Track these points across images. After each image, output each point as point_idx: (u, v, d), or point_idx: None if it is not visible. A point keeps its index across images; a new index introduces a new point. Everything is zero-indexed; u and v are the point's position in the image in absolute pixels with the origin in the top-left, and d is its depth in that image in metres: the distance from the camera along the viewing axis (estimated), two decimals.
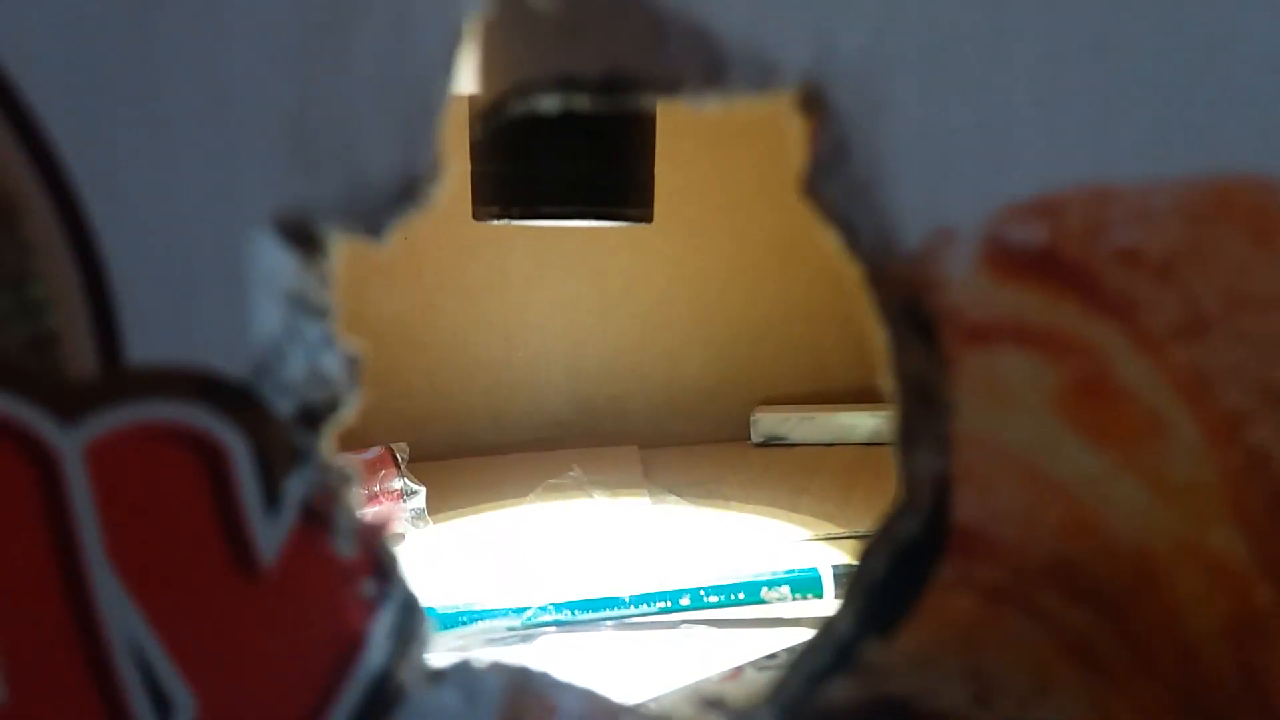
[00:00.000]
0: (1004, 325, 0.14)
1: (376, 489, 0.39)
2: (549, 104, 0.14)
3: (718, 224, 0.52)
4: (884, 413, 0.50)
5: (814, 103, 0.14)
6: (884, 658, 0.15)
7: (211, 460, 0.14)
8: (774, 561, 0.36)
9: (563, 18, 0.13)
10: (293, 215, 0.13)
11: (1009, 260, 0.14)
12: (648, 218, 0.40)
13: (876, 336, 0.15)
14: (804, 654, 0.15)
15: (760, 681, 0.16)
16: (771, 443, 0.52)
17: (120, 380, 0.13)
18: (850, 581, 0.15)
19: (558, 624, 0.31)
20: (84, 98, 0.13)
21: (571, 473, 0.48)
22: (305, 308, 0.14)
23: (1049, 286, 0.14)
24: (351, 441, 0.23)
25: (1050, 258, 0.14)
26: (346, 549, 0.14)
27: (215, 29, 0.13)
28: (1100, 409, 0.15)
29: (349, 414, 0.14)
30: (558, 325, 0.52)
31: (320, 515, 0.14)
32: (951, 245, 0.14)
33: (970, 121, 0.14)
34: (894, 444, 0.15)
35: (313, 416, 0.14)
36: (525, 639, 0.30)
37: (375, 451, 0.40)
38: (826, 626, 0.15)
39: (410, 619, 0.15)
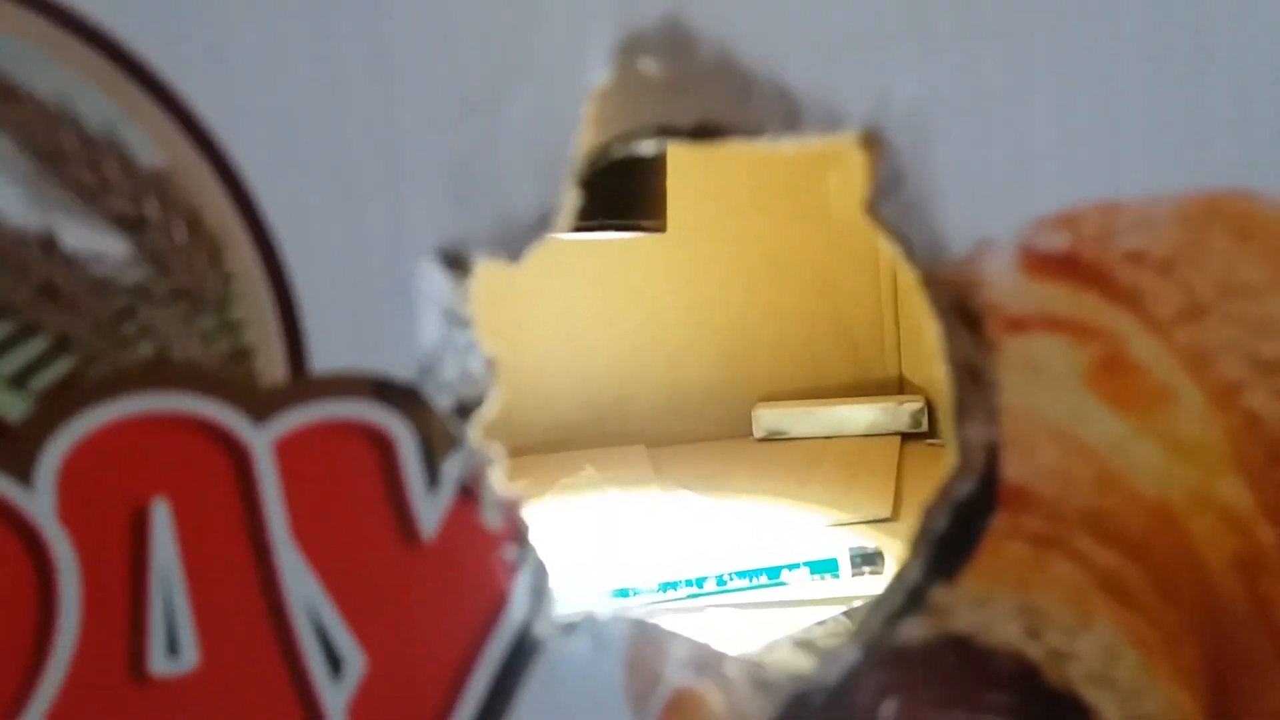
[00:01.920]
0: (1037, 315, 0.17)
1: None
2: (647, 148, 0.17)
3: (715, 233, 0.54)
4: (881, 405, 0.52)
5: (872, 141, 0.17)
6: (948, 599, 0.18)
7: (382, 449, 0.16)
8: (791, 546, 0.38)
9: (665, 79, 0.16)
10: (450, 246, 0.16)
11: (1039, 263, 0.17)
12: (662, 228, 0.42)
13: (881, 334, 0.18)
14: (880, 598, 0.18)
15: (844, 626, 0.18)
16: (773, 437, 0.54)
17: (305, 385, 0.16)
18: (916, 535, 0.18)
19: None
20: (280, 150, 0.16)
21: (585, 471, 0.50)
22: (456, 320, 0.16)
23: (1072, 283, 0.17)
24: None
25: (1072, 260, 0.17)
26: (493, 519, 0.17)
27: (392, 99, 0.15)
28: (1120, 382, 0.18)
29: (492, 406, 0.17)
30: (563, 331, 0.54)
31: (471, 491, 0.17)
32: (991, 252, 0.17)
33: (1002, 154, 0.17)
34: (949, 418, 0.18)
35: (464, 409, 0.17)
36: None
37: None
38: (899, 574, 0.18)
39: (542, 578, 0.17)
